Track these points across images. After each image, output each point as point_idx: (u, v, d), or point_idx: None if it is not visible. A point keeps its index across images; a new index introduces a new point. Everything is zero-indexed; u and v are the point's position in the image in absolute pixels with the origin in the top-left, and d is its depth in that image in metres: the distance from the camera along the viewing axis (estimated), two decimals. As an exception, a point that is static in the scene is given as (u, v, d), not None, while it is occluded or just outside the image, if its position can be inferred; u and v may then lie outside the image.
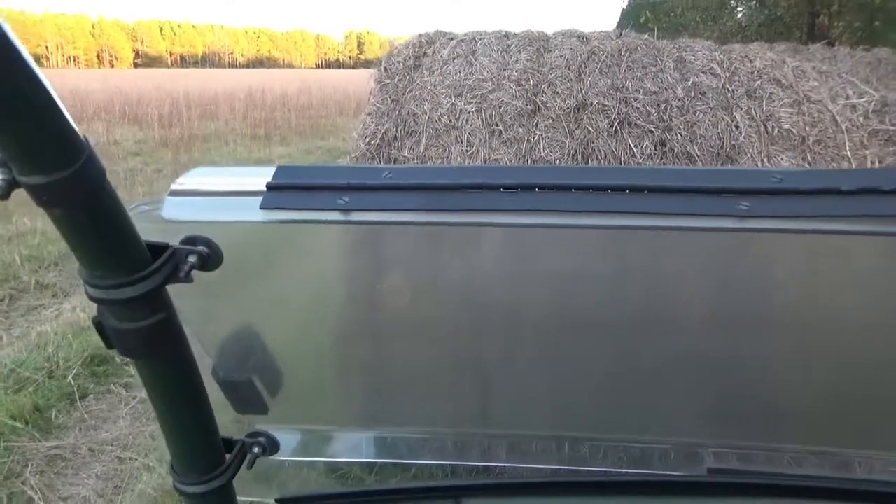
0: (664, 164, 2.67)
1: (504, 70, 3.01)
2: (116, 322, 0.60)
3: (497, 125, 2.81)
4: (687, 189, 0.65)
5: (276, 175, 0.70)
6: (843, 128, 2.60)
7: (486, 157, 2.74)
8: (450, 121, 2.85)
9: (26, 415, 3.27)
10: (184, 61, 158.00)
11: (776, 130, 2.65)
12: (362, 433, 1.17)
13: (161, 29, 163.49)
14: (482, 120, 2.82)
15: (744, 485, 1.02)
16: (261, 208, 0.68)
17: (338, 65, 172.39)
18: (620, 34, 3.38)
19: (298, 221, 0.70)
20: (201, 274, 0.63)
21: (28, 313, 4.65)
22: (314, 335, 0.97)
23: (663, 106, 2.77)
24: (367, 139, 2.91)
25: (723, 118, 2.71)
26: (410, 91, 3.02)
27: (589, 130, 2.76)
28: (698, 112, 2.74)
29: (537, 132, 2.79)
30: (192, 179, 0.75)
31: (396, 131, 2.92)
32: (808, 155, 2.59)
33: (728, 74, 2.86)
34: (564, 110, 2.82)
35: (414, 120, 2.91)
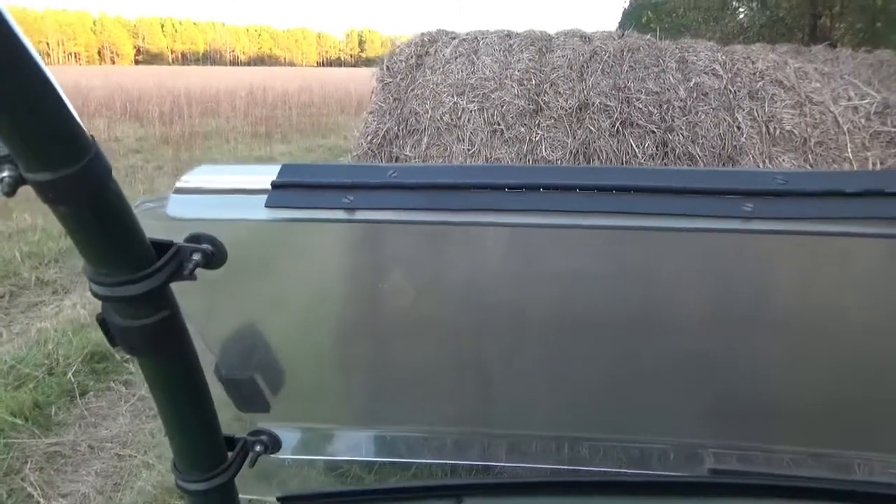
0: (666, 164, 2.67)
1: (506, 69, 3.01)
2: (120, 319, 0.60)
3: (499, 124, 2.81)
4: (691, 190, 0.65)
5: (280, 173, 0.70)
6: (845, 129, 2.60)
7: (488, 156, 2.74)
8: (451, 120, 2.85)
9: (26, 411, 3.28)
10: (185, 58, 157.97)
11: (778, 132, 2.65)
12: (363, 432, 1.17)
13: (162, 26, 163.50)
14: (484, 119, 2.82)
15: (744, 486, 1.03)
16: (266, 207, 0.68)
17: (339, 63, 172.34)
18: (622, 34, 3.38)
19: (303, 220, 0.70)
20: (205, 272, 0.63)
21: (28, 310, 4.65)
22: (317, 334, 0.97)
23: (665, 106, 2.77)
24: (369, 138, 2.91)
25: (724, 119, 2.71)
26: (412, 90, 3.02)
27: (591, 130, 2.76)
28: (700, 113, 2.74)
29: (539, 132, 2.79)
30: (196, 177, 0.75)
31: (398, 130, 2.92)
32: (810, 156, 2.59)
33: (730, 75, 2.86)
34: (566, 110, 2.82)
35: (416, 119, 2.91)
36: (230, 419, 0.96)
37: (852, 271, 0.76)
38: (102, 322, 0.61)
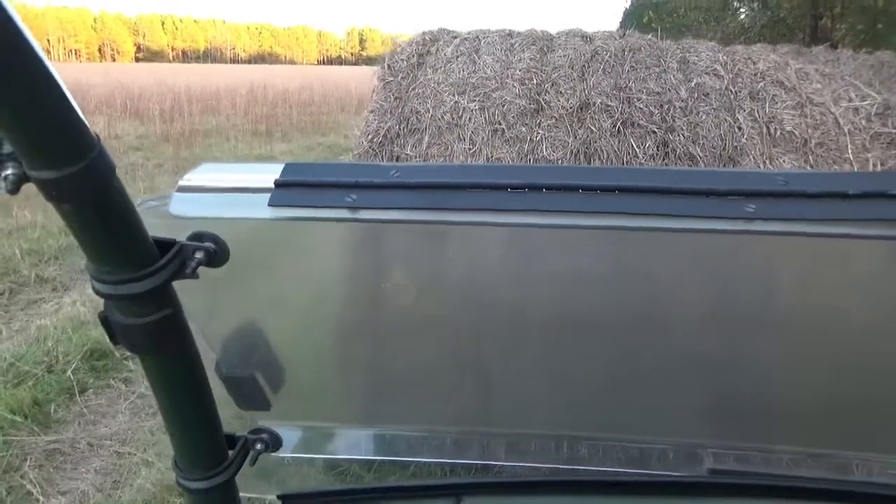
0: (666, 164, 2.67)
1: (507, 69, 3.01)
2: (122, 317, 0.60)
3: (500, 124, 2.81)
4: (693, 191, 0.65)
5: (284, 172, 0.70)
6: (846, 130, 2.60)
7: (489, 155, 2.74)
8: (452, 119, 2.85)
9: (25, 409, 3.27)
10: (185, 56, 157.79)
11: (778, 132, 2.65)
12: (363, 430, 1.17)
13: (163, 23, 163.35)
14: (485, 118, 2.83)
15: (743, 486, 1.03)
16: (269, 205, 0.68)
17: (339, 61, 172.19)
18: (624, 34, 3.38)
19: (306, 219, 0.70)
20: (207, 270, 0.63)
21: (28, 307, 4.65)
22: (318, 333, 0.97)
23: (666, 106, 2.77)
24: (370, 136, 2.91)
25: (725, 119, 2.71)
26: (413, 89, 3.02)
27: (592, 130, 2.76)
28: (701, 113, 2.74)
29: (540, 131, 2.79)
30: (199, 176, 0.75)
31: (399, 129, 2.92)
32: (811, 157, 2.59)
33: (731, 76, 2.86)
34: (567, 110, 2.82)
35: (417, 118, 2.91)
36: (231, 417, 0.96)
37: (853, 272, 0.76)
38: (104, 320, 0.61)
